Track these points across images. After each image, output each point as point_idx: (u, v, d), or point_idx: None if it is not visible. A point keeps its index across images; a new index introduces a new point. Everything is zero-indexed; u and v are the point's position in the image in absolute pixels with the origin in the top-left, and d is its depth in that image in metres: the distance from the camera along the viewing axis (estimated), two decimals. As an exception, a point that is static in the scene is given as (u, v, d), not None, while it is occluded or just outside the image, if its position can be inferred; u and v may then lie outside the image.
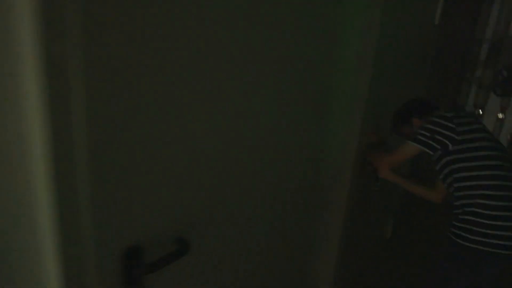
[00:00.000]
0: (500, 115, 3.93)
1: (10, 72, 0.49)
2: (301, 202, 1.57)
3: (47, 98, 0.47)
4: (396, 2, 1.69)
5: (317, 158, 1.57)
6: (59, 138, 0.50)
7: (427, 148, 1.35)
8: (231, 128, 0.95)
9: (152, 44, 0.63)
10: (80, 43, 0.51)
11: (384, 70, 1.74)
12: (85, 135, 0.55)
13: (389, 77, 1.90)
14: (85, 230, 0.58)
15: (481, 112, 4.03)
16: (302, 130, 1.39)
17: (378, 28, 1.38)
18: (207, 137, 0.86)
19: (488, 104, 4.03)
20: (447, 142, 1.31)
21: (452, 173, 1.34)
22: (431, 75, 3.14)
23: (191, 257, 0.79)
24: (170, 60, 0.68)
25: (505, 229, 1.23)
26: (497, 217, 1.23)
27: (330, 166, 1.70)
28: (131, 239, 0.68)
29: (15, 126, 0.53)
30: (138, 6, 0.59)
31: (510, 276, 1.33)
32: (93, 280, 0.62)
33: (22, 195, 0.56)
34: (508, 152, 1.33)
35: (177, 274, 0.83)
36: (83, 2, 0.50)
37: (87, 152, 0.56)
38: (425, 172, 1.51)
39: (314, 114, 1.45)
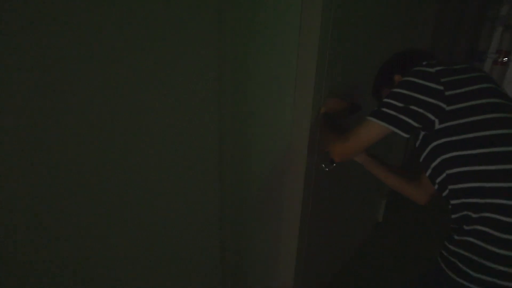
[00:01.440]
0: (530, 62, 3.24)
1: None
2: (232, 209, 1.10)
3: None
4: None
5: (244, 146, 1.08)
6: None
7: (397, 127, 0.82)
8: None
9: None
10: None
11: (355, 7, 1.17)
12: None
13: (366, 16, 1.32)
14: None
15: (505, 59, 3.35)
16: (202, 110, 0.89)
17: None
18: None
19: (515, 49, 3.32)
20: (430, 115, 0.78)
21: (443, 167, 0.81)
22: (441, 14, 2.45)
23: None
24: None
25: None
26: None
27: (273, 152, 1.20)
28: None
29: None
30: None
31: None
32: None
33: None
34: None
35: None
36: None
37: None
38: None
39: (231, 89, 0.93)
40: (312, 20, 1.01)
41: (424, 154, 0.84)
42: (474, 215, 0.77)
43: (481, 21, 3.15)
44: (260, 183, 1.19)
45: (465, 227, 0.78)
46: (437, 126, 0.79)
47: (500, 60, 3.37)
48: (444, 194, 0.84)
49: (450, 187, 0.81)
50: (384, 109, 0.83)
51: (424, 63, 0.82)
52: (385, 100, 0.84)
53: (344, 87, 1.29)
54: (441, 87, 0.77)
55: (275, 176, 1.25)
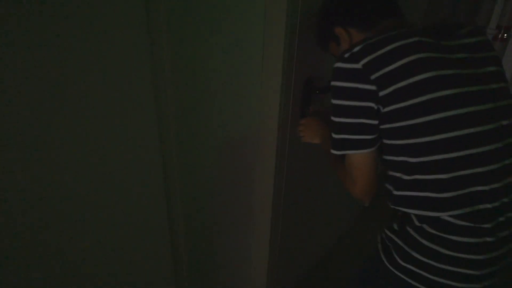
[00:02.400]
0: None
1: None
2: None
3: None
4: None
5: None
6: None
7: (364, 147, 0.70)
8: None
9: None
10: None
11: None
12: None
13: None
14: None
15: (505, 36, 3.18)
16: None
17: None
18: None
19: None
20: (370, 121, 0.67)
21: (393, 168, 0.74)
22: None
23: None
24: None
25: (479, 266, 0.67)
26: (467, 246, 0.66)
27: (238, 133, 1.07)
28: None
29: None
30: None
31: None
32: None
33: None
34: None
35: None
36: None
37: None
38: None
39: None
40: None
41: None
42: (416, 221, 0.72)
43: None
44: (220, 169, 1.07)
45: (407, 227, 0.74)
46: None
47: (500, 36, 3.20)
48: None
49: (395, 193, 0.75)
50: (336, 135, 0.72)
51: (346, 55, 0.66)
52: (332, 118, 0.72)
53: (319, 60, 1.15)
54: (373, 87, 0.63)
55: (239, 159, 1.13)
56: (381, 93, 0.63)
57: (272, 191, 1.16)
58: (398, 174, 0.70)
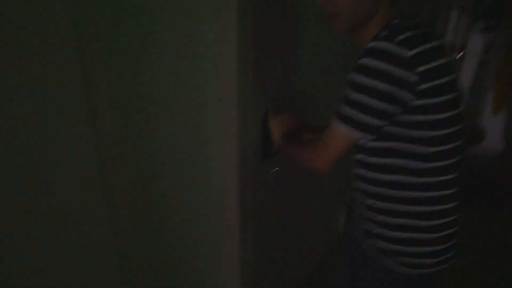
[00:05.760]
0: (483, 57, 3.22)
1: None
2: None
3: None
4: None
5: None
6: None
7: (365, 131, 0.70)
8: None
9: None
10: None
11: None
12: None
13: None
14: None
15: (461, 55, 3.34)
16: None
17: None
18: None
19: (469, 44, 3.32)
20: (391, 111, 0.67)
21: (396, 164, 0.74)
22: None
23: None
24: None
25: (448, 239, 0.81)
26: (444, 225, 0.78)
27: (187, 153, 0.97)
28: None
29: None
30: None
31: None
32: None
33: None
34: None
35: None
36: None
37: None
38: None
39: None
40: None
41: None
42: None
43: (437, 12, 3.09)
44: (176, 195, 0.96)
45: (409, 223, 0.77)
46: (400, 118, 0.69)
47: (455, 56, 3.35)
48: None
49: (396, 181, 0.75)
50: (351, 110, 0.68)
51: (399, 38, 0.63)
52: (355, 94, 0.67)
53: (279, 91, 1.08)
54: (416, 78, 0.63)
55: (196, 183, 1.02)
56: (422, 86, 0.64)
57: (239, 232, 1.05)
58: (409, 162, 0.73)
